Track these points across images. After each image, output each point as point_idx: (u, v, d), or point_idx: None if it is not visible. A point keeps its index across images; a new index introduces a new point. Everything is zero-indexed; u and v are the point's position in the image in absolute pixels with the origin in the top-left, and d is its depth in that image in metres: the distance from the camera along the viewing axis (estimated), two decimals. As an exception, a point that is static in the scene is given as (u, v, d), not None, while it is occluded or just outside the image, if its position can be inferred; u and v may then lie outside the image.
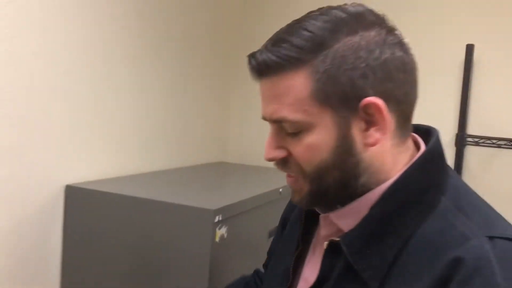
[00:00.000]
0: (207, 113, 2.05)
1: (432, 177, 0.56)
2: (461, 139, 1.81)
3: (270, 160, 0.59)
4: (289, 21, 0.58)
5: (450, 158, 1.87)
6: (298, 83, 0.54)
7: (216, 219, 1.15)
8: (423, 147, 0.59)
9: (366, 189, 0.56)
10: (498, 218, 0.55)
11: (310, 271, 0.63)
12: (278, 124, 0.57)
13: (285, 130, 0.57)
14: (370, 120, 0.54)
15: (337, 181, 0.56)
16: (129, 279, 1.23)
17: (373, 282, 0.53)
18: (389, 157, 0.56)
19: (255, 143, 2.19)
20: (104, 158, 1.48)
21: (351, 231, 0.56)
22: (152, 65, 1.66)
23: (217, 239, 1.16)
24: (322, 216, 0.62)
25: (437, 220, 0.53)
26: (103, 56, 1.43)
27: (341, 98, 0.53)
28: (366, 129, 0.55)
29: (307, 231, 0.68)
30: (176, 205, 1.18)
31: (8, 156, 1.16)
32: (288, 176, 0.60)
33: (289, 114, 0.54)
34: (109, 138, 1.49)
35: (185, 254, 1.16)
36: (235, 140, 2.27)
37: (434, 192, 0.55)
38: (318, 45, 0.53)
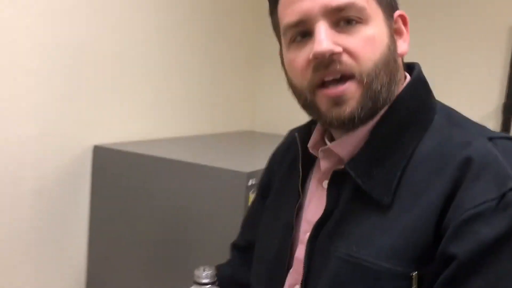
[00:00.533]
0: (237, 83, 2.00)
1: (422, 100, 0.60)
2: (509, 108, 1.69)
3: (326, 52, 0.54)
4: None
5: (495, 128, 1.75)
6: None
7: (250, 183, 1.09)
8: (408, 77, 0.63)
9: (385, 105, 0.59)
10: (488, 128, 0.60)
11: (313, 212, 0.63)
12: (334, 16, 0.55)
13: (344, 20, 0.55)
14: (399, 31, 0.61)
15: (385, 84, 0.57)
16: (157, 241, 1.20)
17: (384, 198, 0.55)
18: (402, 74, 0.61)
19: (283, 114, 2.11)
20: (133, 121, 1.44)
21: (356, 155, 0.58)
22: (186, 32, 1.61)
23: (249, 204, 1.10)
24: (322, 149, 0.63)
25: (434, 136, 0.57)
26: (143, 26, 1.38)
27: (388, 4, 0.59)
28: (397, 40, 0.60)
29: (302, 183, 0.67)
30: (209, 167, 1.12)
31: (37, 115, 1.14)
32: (337, 87, 0.56)
33: None
34: (140, 102, 1.46)
35: (217, 218, 1.11)
36: (264, 110, 2.21)
37: (426, 112, 0.59)
38: None
